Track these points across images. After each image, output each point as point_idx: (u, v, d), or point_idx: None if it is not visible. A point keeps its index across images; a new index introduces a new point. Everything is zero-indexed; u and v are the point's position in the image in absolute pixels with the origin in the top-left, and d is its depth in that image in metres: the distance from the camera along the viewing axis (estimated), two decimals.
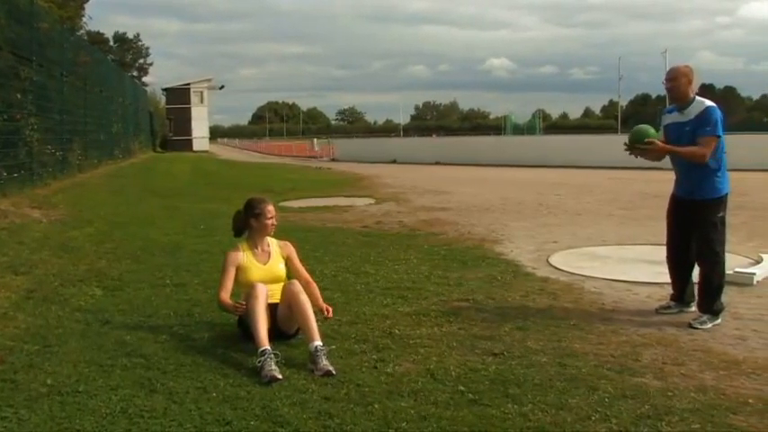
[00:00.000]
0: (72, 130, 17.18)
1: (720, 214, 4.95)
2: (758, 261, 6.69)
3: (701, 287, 5.02)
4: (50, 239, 8.18)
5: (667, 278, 5.58)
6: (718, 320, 4.87)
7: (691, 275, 5.21)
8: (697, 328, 4.74)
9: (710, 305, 4.92)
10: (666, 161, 5.20)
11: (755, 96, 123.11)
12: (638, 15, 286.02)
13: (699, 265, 5.08)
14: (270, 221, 4.63)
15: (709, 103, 4.91)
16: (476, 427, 3.19)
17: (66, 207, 11.04)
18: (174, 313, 5.14)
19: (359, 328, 4.75)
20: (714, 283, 4.95)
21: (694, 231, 5.03)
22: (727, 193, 4.99)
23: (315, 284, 4.70)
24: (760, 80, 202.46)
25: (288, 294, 4.30)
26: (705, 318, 4.86)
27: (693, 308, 5.14)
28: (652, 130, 5.07)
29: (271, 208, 4.69)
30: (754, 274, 6.02)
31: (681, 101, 4.99)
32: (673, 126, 5.05)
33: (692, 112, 4.91)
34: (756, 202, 11.41)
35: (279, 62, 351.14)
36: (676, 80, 4.95)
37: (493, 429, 3.17)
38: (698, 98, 4.95)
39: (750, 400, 3.48)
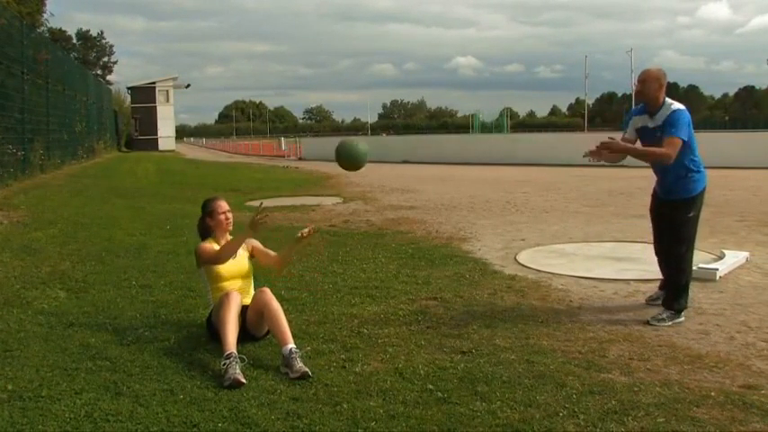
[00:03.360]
0: (34, 130, 16.86)
1: (691, 214, 4.99)
2: (720, 257, 6.79)
3: (668, 284, 5.10)
4: (11, 241, 8.03)
5: (633, 274, 5.69)
6: (681, 318, 4.89)
7: None
8: (654, 325, 4.77)
9: (672, 302, 4.94)
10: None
11: (717, 95, 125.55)
12: (603, 14, 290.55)
13: (666, 262, 5.15)
14: (222, 216, 4.65)
15: (677, 105, 4.89)
16: (444, 426, 3.19)
17: (28, 208, 10.85)
18: (139, 315, 5.07)
19: (327, 327, 4.74)
20: (679, 281, 5.00)
21: (665, 227, 5.11)
22: (700, 192, 5.01)
23: (279, 256, 4.77)
24: (720, 79, 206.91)
25: (259, 302, 4.25)
26: (665, 315, 4.87)
27: None
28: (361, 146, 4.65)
29: (221, 203, 4.71)
30: (716, 269, 6.11)
31: (650, 104, 4.97)
32: (644, 130, 5.03)
33: (662, 116, 4.88)
34: (718, 199, 11.62)
35: (245, 60, 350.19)
36: (646, 83, 4.91)
37: (461, 427, 3.18)
38: (667, 101, 4.92)
39: (712, 393, 3.54)
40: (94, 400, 3.47)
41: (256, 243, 4.75)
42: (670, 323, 4.82)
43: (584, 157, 5.12)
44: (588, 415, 3.29)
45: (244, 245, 4.63)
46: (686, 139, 4.81)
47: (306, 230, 4.55)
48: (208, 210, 4.68)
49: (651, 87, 4.90)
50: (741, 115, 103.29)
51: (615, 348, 4.29)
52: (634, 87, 5.07)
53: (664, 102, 4.92)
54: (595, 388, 3.61)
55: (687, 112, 4.90)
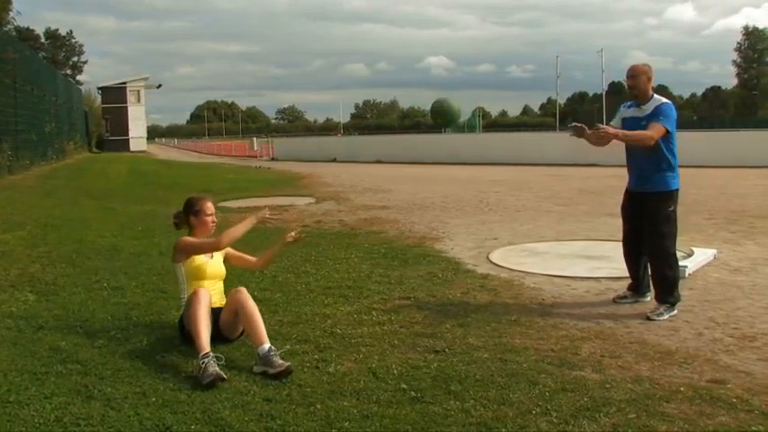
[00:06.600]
0: (1, 131, 16.60)
1: (671, 208, 5.16)
2: (689, 254, 6.89)
3: (656, 280, 5.19)
4: None
5: (604, 273, 5.73)
6: (675, 312, 5.03)
7: (645, 267, 5.38)
8: (654, 320, 4.88)
9: (667, 297, 5.08)
10: (621, 156, 5.38)
11: (685, 95, 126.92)
12: (573, 15, 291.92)
13: (650, 258, 5.24)
14: (209, 218, 4.59)
15: (665, 100, 5.16)
16: (418, 425, 3.20)
17: None
18: (111, 317, 5.01)
19: (300, 328, 4.73)
20: (668, 275, 5.13)
21: (646, 224, 5.19)
22: (677, 189, 5.21)
23: (261, 257, 4.84)
24: (688, 79, 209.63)
25: (235, 302, 4.21)
26: (662, 309, 5.01)
27: (649, 297, 5.33)
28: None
29: (210, 205, 4.65)
30: (685, 267, 6.20)
31: (641, 97, 5.20)
32: (630, 120, 5.25)
33: (649, 107, 5.14)
34: (687, 198, 11.74)
35: (217, 60, 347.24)
36: (637, 77, 5.16)
37: (435, 426, 3.19)
38: (656, 96, 5.18)
39: (681, 389, 3.59)
40: (65, 405, 3.43)
41: (230, 249, 4.73)
42: (667, 316, 4.96)
43: (568, 131, 5.31)
44: (561, 412, 3.32)
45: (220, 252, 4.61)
46: (671, 130, 5.08)
47: (294, 233, 4.58)
48: (195, 208, 4.59)
49: (641, 80, 5.17)
50: (709, 115, 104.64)
51: (587, 346, 4.33)
52: (625, 82, 5.23)
53: (652, 95, 5.17)
54: (568, 385, 3.65)
55: (674, 108, 5.17)
